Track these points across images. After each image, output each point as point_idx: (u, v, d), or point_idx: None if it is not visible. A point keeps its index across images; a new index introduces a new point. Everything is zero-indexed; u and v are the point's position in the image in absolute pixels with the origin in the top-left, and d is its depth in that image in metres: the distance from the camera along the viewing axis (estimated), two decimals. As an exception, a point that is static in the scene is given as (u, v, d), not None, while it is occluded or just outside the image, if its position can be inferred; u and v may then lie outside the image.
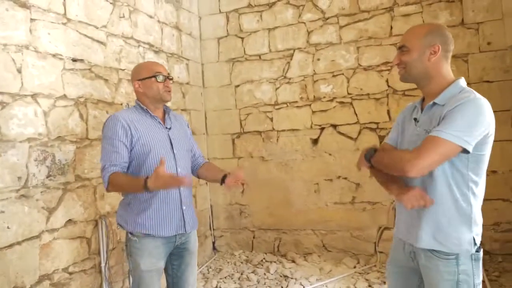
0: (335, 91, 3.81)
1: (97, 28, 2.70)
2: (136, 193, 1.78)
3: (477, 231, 1.36)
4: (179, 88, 3.80)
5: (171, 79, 1.94)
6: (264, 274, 3.47)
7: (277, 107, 4.02)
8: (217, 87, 4.26)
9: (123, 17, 2.98)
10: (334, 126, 3.81)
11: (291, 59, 3.96)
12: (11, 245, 2.00)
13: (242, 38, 4.13)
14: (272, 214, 4.03)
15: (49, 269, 2.23)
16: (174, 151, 1.87)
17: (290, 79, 3.96)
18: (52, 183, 2.27)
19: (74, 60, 2.49)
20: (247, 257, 3.95)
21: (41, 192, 2.19)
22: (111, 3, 2.86)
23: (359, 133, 3.73)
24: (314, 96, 3.88)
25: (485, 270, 3.10)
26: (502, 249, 3.32)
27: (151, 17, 3.38)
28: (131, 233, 1.84)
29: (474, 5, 3.40)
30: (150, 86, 1.87)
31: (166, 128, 1.91)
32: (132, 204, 1.84)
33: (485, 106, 1.32)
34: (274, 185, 3.98)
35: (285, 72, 3.98)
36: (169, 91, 1.90)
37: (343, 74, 3.79)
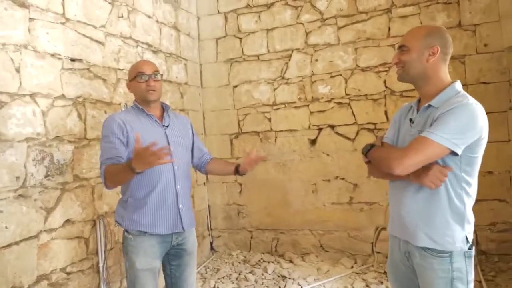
0: (333, 91, 3.83)
1: (95, 28, 2.70)
2: (129, 179, 1.75)
3: (469, 230, 1.40)
4: (177, 88, 3.81)
5: (159, 76, 1.88)
6: (262, 274, 3.48)
7: (275, 107, 4.03)
8: (215, 87, 4.26)
9: (122, 17, 2.98)
10: (332, 126, 3.83)
11: (289, 60, 3.97)
12: (9, 245, 1.99)
13: (241, 39, 4.14)
14: (270, 214, 4.04)
15: (47, 269, 2.22)
16: (171, 149, 1.86)
17: (288, 79, 3.97)
18: (50, 183, 2.27)
19: (73, 60, 2.49)
20: (245, 257, 3.96)
21: (39, 192, 2.19)
22: (109, 3, 2.86)
23: (357, 133, 3.75)
24: (312, 97, 3.89)
25: (481, 270, 3.13)
26: (498, 249, 3.34)
27: (149, 17, 3.38)
28: (127, 231, 1.85)
29: (471, 7, 3.42)
30: (135, 87, 1.88)
31: (164, 126, 1.91)
32: (129, 201, 1.85)
33: (478, 111, 1.34)
34: (272, 185, 3.99)
35: (283, 72, 3.99)
36: (153, 90, 1.85)
37: (341, 75, 3.80)
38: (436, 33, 1.46)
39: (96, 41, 2.71)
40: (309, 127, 3.91)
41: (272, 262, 3.74)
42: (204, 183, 4.23)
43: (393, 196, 1.56)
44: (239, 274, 3.52)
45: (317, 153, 3.88)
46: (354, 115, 3.76)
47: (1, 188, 1.97)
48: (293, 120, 3.96)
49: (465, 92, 1.42)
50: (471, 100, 1.36)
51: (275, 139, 4.02)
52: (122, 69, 2.93)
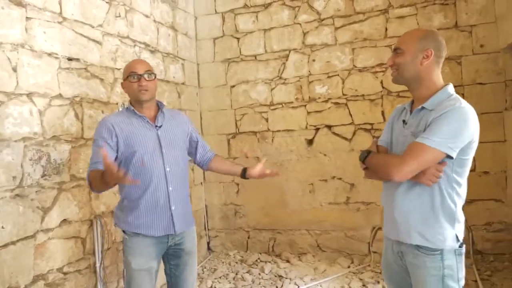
0: (330, 92, 3.84)
1: (93, 27, 2.70)
2: (109, 188, 1.72)
3: (459, 229, 1.44)
4: (175, 88, 3.80)
5: (152, 75, 1.85)
6: (259, 274, 3.48)
7: (272, 107, 4.03)
8: (212, 87, 4.26)
9: (119, 16, 2.98)
10: (329, 126, 3.84)
11: (286, 60, 3.97)
12: (5, 245, 1.98)
13: (238, 39, 4.14)
14: (267, 214, 4.04)
15: (44, 269, 2.22)
16: (163, 150, 1.84)
17: (285, 79, 3.98)
18: (47, 183, 2.26)
19: (70, 59, 2.48)
20: (242, 257, 3.96)
21: (36, 191, 2.18)
22: (107, 2, 2.85)
23: (354, 133, 3.76)
24: (309, 97, 3.90)
25: (477, 269, 3.15)
26: (494, 249, 3.36)
27: (147, 16, 3.37)
28: (124, 232, 1.86)
29: (467, 8, 3.44)
30: (128, 87, 1.87)
31: (156, 126, 1.88)
32: (125, 202, 1.87)
33: (470, 114, 1.37)
34: (269, 185, 3.99)
35: (281, 72, 4.00)
36: (145, 90, 1.82)
37: (338, 75, 3.81)
38: (431, 36, 1.48)
39: (94, 40, 2.70)
40: (306, 127, 3.91)
41: (269, 262, 3.74)
42: (201, 183, 4.23)
43: (386, 197, 1.59)
44: (236, 274, 3.52)
45: (314, 153, 3.89)
46: (351, 115, 3.77)
47: (-2, 187, 1.96)
48: (290, 120, 3.96)
49: (457, 95, 1.45)
50: (463, 103, 1.39)
51: (272, 139, 4.03)
52: (119, 69, 2.93)
